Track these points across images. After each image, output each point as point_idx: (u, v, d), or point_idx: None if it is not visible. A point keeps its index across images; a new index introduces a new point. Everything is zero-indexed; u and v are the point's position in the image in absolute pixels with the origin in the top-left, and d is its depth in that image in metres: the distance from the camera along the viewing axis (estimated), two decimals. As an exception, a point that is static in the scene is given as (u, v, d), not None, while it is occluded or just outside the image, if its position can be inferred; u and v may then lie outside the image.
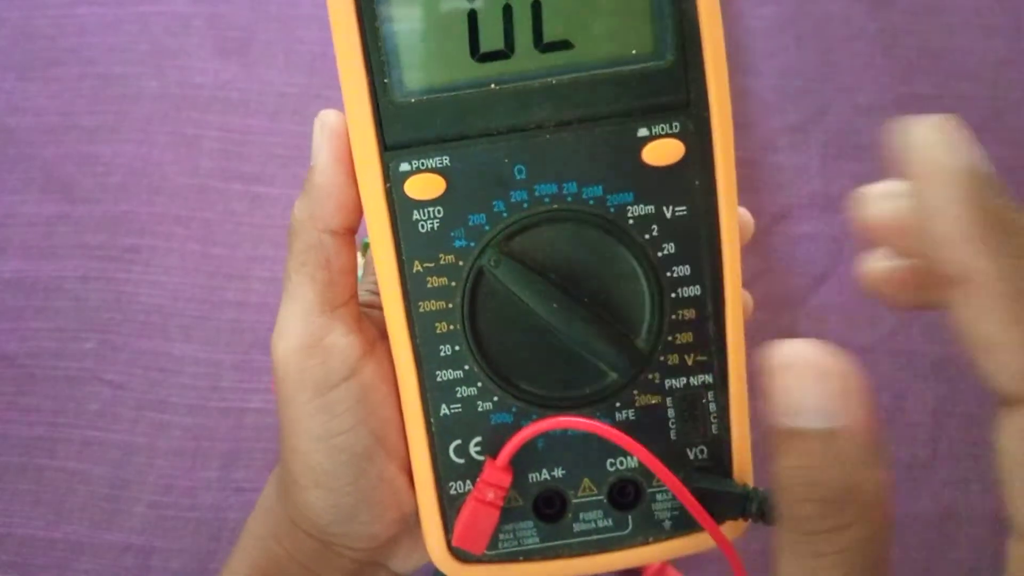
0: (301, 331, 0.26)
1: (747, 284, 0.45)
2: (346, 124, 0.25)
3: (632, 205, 0.26)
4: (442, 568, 0.28)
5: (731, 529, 0.27)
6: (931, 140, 0.18)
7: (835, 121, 0.51)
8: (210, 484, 0.42)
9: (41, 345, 0.45)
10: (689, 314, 0.26)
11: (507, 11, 0.25)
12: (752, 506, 0.26)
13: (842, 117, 0.51)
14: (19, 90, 0.52)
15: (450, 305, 0.26)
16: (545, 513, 0.27)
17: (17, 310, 0.46)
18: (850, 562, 0.17)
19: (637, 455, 0.25)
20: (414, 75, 0.25)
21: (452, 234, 0.26)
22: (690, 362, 0.27)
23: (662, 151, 0.25)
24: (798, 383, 0.18)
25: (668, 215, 0.26)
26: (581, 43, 0.25)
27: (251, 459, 0.42)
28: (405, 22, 0.25)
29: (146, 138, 0.50)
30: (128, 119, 0.51)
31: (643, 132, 0.25)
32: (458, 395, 0.26)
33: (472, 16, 0.25)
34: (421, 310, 0.26)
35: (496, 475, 0.26)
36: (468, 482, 0.27)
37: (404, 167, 0.25)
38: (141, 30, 0.54)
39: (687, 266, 0.26)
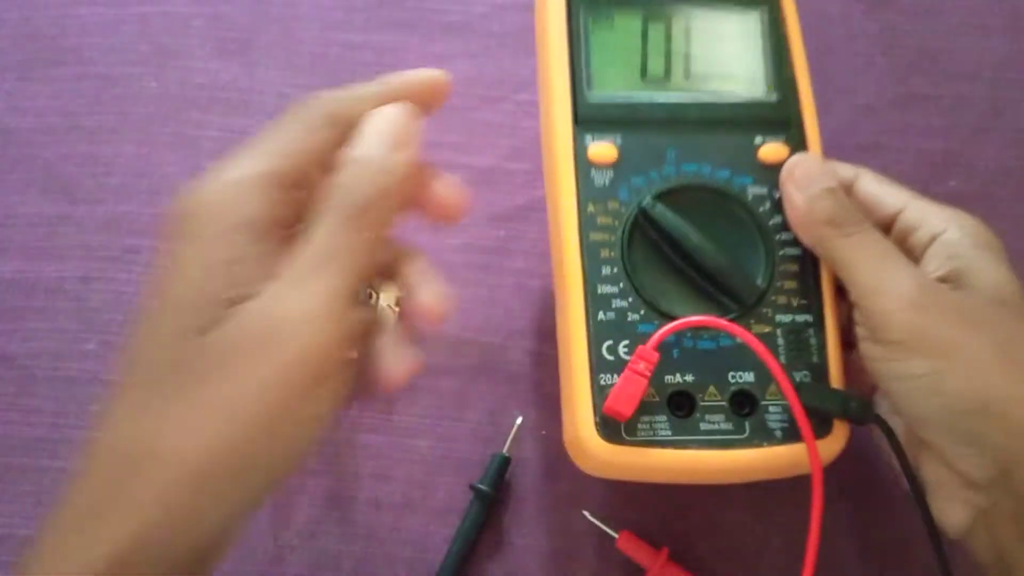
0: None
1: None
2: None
3: (751, 186, 0.37)
4: (589, 445, 0.33)
5: (831, 443, 0.34)
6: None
7: (834, 121, 0.51)
8: (211, 485, 0.42)
9: (42, 346, 0.45)
10: (792, 268, 0.36)
11: (668, 53, 0.38)
12: (852, 405, 0.34)
13: (841, 117, 0.51)
14: (19, 90, 0.52)
15: (612, 237, 0.35)
16: (677, 411, 0.34)
17: (18, 311, 0.46)
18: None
19: (765, 360, 0.33)
20: (602, 84, 0.37)
21: (619, 188, 0.36)
22: (794, 304, 0.35)
23: (773, 152, 0.37)
24: (808, 168, 0.36)
25: (776, 196, 0.37)
26: (717, 80, 0.38)
27: (252, 460, 0.42)
28: (600, 51, 0.38)
29: (147, 139, 0.50)
30: (129, 120, 0.51)
31: (759, 139, 0.37)
32: (613, 306, 0.35)
33: (644, 55, 0.38)
34: (590, 239, 0.35)
35: (647, 353, 0.33)
36: (616, 375, 0.33)
37: (589, 138, 0.36)
38: (142, 31, 0.54)
39: (790, 234, 0.36)
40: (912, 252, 0.36)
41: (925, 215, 0.36)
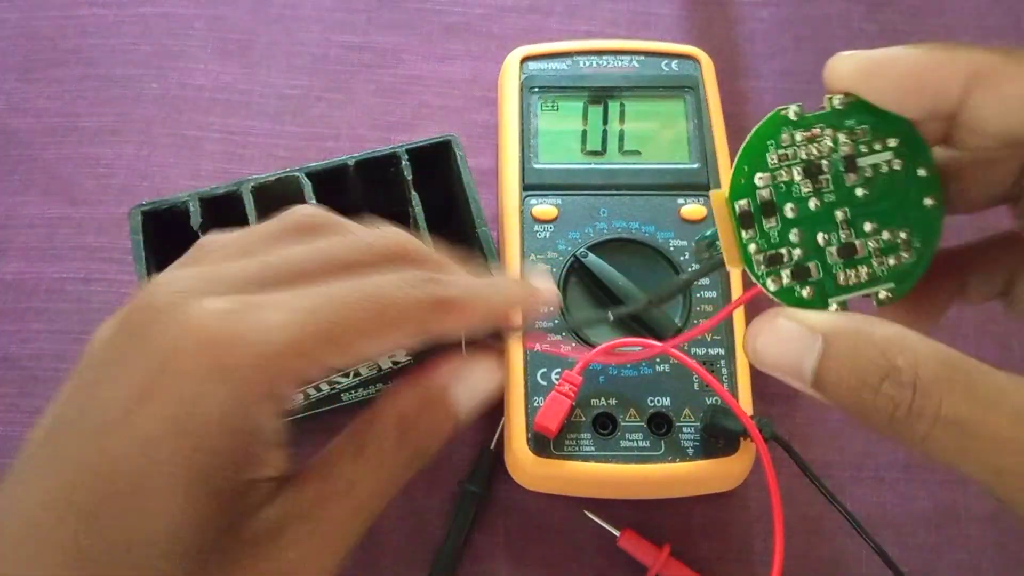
0: None
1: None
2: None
3: (673, 239, 0.42)
4: (520, 457, 0.38)
5: (740, 461, 0.37)
6: None
7: (834, 122, 0.51)
8: (212, 485, 0.42)
9: (43, 347, 0.45)
10: (708, 308, 0.40)
11: (604, 132, 0.45)
12: (756, 424, 0.36)
13: (841, 118, 0.51)
14: (20, 91, 0.52)
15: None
16: (601, 430, 0.38)
17: (19, 312, 0.46)
18: None
19: (698, 372, 0.37)
20: (547, 156, 0.44)
21: (557, 241, 0.42)
22: (708, 338, 0.40)
23: (692, 211, 0.42)
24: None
25: (693, 247, 0.41)
26: (646, 152, 0.44)
27: (253, 460, 0.42)
28: (547, 129, 0.44)
29: (147, 140, 0.50)
30: (129, 121, 0.51)
31: (681, 201, 0.43)
32: (548, 339, 0.39)
33: (584, 132, 0.45)
34: None
35: (572, 376, 0.38)
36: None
37: (534, 201, 0.43)
38: (142, 32, 0.54)
39: (706, 279, 0.41)
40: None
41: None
